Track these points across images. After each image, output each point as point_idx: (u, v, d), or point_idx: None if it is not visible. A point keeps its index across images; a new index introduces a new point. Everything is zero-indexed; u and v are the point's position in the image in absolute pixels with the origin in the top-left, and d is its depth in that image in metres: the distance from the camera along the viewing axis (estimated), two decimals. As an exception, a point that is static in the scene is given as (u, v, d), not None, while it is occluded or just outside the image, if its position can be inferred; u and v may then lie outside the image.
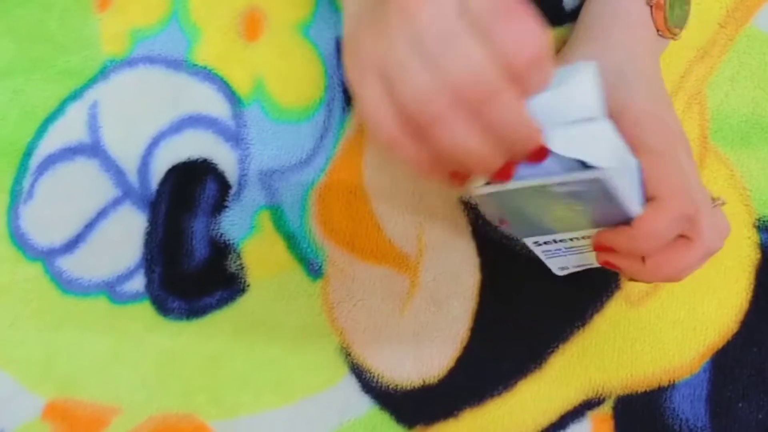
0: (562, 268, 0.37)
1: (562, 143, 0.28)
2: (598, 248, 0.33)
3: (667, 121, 0.35)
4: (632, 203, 0.30)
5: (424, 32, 0.24)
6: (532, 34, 0.24)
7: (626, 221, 0.31)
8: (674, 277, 0.33)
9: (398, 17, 0.25)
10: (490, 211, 0.38)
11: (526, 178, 0.29)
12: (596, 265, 0.35)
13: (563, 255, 0.36)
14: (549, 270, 0.42)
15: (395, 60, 0.25)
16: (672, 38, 0.38)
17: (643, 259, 0.32)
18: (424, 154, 0.26)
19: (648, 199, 0.31)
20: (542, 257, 0.37)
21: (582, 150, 0.28)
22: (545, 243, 0.35)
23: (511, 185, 0.29)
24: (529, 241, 0.36)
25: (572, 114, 0.28)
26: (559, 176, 0.28)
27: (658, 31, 0.37)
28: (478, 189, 0.30)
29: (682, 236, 0.33)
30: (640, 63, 0.36)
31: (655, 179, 0.31)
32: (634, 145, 0.31)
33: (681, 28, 0.38)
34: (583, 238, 0.34)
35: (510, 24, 0.24)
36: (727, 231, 0.35)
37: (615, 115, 0.31)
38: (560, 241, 0.35)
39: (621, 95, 0.34)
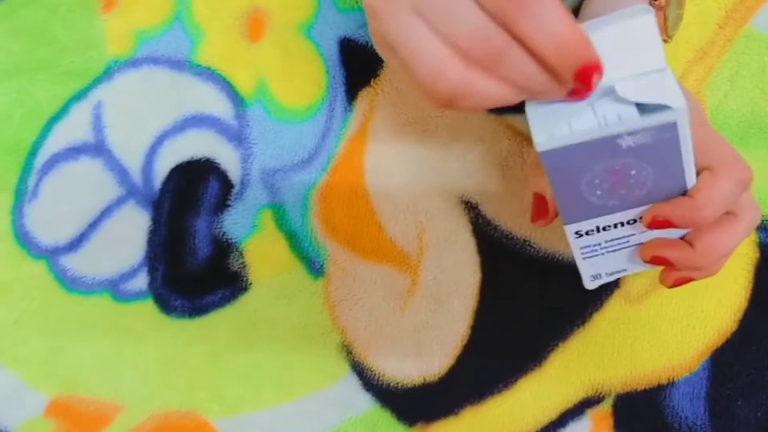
0: (595, 277, 0.36)
1: (630, 89, 0.27)
2: (654, 223, 0.31)
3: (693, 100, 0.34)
4: (692, 165, 0.30)
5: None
6: None
7: (679, 193, 0.30)
8: (721, 261, 0.32)
9: None
10: (540, 186, 0.35)
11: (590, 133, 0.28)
12: (633, 270, 0.35)
13: (601, 254, 0.35)
14: (549, 268, 0.43)
15: None
16: (666, 41, 0.38)
17: (691, 245, 0.31)
18: (499, 86, 0.25)
19: (701, 170, 0.31)
20: (578, 258, 0.35)
21: (652, 95, 0.27)
22: (587, 234, 0.34)
23: (576, 137, 0.28)
24: (570, 230, 0.34)
25: (636, 63, 0.27)
26: (628, 124, 0.27)
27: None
28: (542, 144, 0.28)
29: (726, 212, 0.32)
30: None
31: (703, 149, 0.30)
32: None
33: (675, 32, 0.38)
34: (629, 223, 0.33)
35: None
36: (758, 206, 0.34)
37: None
38: (604, 229, 0.33)
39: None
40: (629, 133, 0.28)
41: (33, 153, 0.44)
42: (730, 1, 0.44)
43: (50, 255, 0.44)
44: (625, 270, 0.35)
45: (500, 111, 0.43)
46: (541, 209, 0.35)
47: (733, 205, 0.31)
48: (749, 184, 0.31)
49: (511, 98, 0.26)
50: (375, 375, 0.43)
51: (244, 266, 0.43)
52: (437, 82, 0.25)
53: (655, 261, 0.32)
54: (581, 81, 0.26)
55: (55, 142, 0.44)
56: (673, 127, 0.28)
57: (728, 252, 0.32)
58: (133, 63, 0.45)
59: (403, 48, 0.25)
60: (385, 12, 0.26)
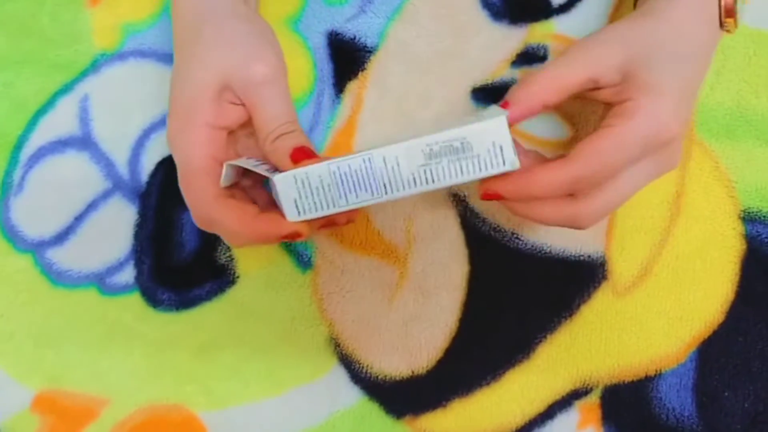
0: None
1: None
2: (486, 196, 0.34)
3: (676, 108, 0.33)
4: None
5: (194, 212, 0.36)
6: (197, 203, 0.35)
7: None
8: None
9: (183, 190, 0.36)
10: None
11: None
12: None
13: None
14: (537, 261, 0.43)
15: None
16: (727, 31, 0.36)
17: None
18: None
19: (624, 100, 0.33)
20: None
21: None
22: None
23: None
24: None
25: None
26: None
27: (723, 19, 0.35)
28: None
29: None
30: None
31: (588, 142, 0.32)
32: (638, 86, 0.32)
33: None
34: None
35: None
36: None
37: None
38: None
39: (645, 61, 0.33)
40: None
41: (19, 146, 0.44)
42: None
43: (36, 248, 0.44)
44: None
45: (486, 102, 0.43)
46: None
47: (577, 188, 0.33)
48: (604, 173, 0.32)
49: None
50: (363, 368, 0.43)
51: (232, 259, 0.43)
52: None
53: (489, 197, 0.34)
54: (292, 240, 0.34)
55: (41, 135, 0.44)
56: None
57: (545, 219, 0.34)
58: (120, 56, 0.44)
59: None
60: None
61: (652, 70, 0.32)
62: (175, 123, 0.35)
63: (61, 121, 0.44)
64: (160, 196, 0.43)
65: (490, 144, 0.31)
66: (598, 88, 0.34)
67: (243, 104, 0.35)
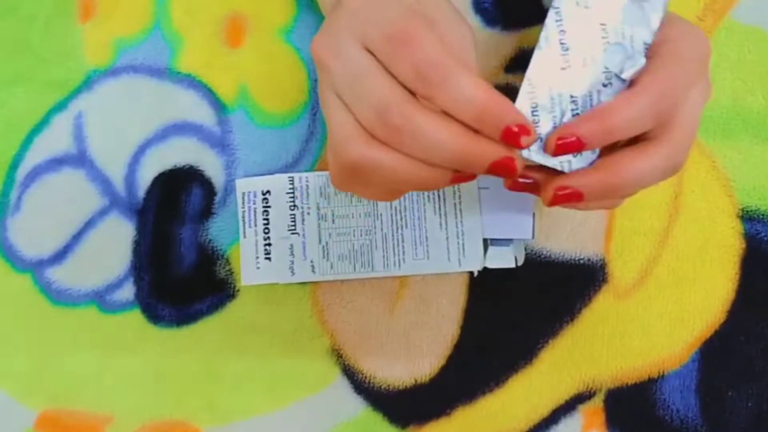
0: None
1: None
2: (560, 147, 0.28)
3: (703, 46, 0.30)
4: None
5: (337, 81, 0.28)
6: (426, 53, 0.26)
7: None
8: (624, 189, 0.29)
9: (320, 69, 0.29)
10: None
11: None
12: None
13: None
14: (538, 265, 0.42)
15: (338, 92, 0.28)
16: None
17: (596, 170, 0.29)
18: (404, 161, 0.27)
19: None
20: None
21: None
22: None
23: None
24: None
25: None
26: None
27: None
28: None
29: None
30: None
31: (653, 68, 0.28)
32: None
33: None
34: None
35: (404, 50, 0.26)
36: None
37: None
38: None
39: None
40: None
41: (14, 166, 0.44)
42: (709, -6, 0.44)
43: (35, 268, 0.44)
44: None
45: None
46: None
47: (655, 123, 0.28)
48: (669, 119, 0.28)
49: (422, 173, 0.27)
50: (366, 378, 0.43)
51: (231, 273, 0.43)
52: (339, 154, 0.27)
53: (560, 194, 0.29)
54: (510, 143, 0.26)
55: (36, 154, 0.44)
56: None
57: (636, 180, 0.28)
58: (113, 72, 0.44)
59: (327, 120, 0.29)
60: (319, 89, 0.29)
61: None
62: None
63: (56, 140, 0.44)
64: (157, 211, 0.43)
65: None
66: None
67: None
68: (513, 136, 0.26)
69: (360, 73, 0.27)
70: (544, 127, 0.29)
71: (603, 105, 0.28)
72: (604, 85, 0.29)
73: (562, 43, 0.28)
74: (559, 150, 0.28)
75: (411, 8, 0.28)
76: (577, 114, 0.29)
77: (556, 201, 0.29)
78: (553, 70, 0.28)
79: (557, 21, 0.28)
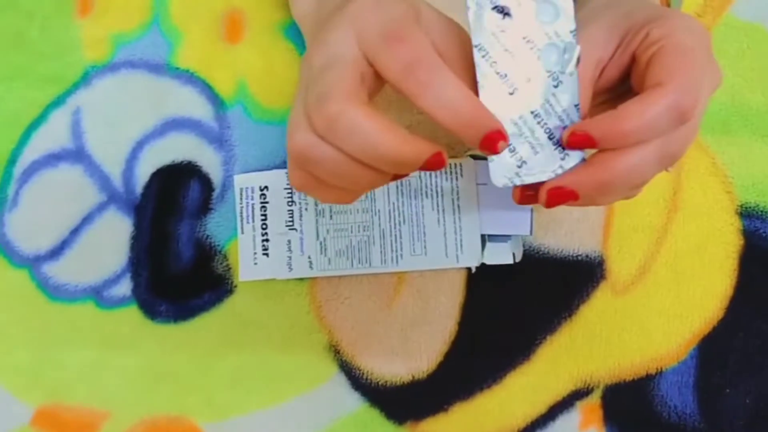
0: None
1: None
2: (573, 140, 0.28)
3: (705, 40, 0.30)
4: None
5: (312, 64, 0.28)
6: (417, 52, 0.27)
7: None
8: (618, 184, 0.28)
9: (303, 60, 0.29)
10: None
11: None
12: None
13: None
14: (536, 262, 0.42)
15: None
16: None
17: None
18: (337, 155, 0.27)
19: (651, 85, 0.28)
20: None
21: None
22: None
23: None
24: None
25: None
26: None
27: None
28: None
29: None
30: None
31: (655, 66, 0.28)
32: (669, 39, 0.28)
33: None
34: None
35: (396, 46, 0.27)
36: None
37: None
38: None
39: (628, 15, 0.31)
40: None
41: (12, 161, 0.44)
42: (708, -10, 0.44)
43: (32, 263, 0.43)
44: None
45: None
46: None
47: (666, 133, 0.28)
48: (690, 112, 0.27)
49: (356, 172, 0.28)
50: (363, 374, 0.43)
51: (229, 269, 0.43)
52: (288, 142, 0.28)
53: (572, 144, 0.29)
54: (487, 149, 0.27)
55: (34, 149, 0.44)
56: None
57: (631, 176, 0.28)
58: (111, 68, 0.44)
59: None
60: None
61: (635, 11, 0.31)
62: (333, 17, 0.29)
63: (53, 135, 0.44)
64: (155, 207, 0.43)
65: None
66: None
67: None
68: (492, 142, 0.27)
69: (330, 62, 0.27)
70: (523, 151, 0.29)
71: (621, 109, 0.27)
72: (556, 86, 0.29)
73: (498, 73, 0.29)
74: (573, 142, 0.28)
75: (410, 9, 0.28)
76: (547, 125, 0.29)
77: (551, 201, 0.29)
78: (503, 99, 0.29)
79: (484, 56, 0.29)
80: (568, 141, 0.29)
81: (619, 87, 0.31)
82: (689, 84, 0.27)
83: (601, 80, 0.31)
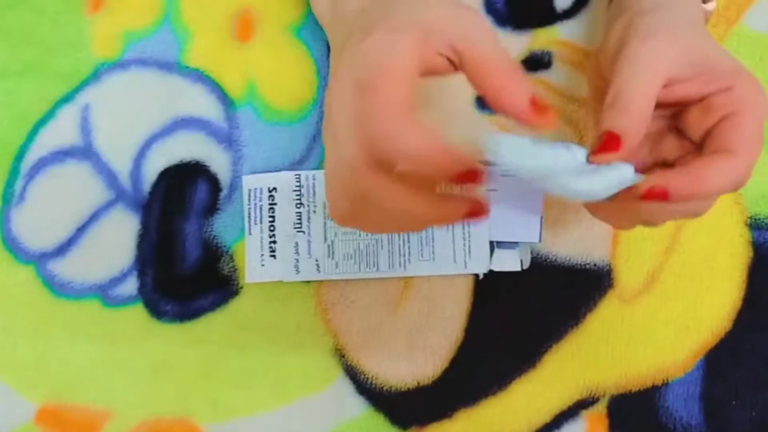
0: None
1: None
2: (650, 195, 0.30)
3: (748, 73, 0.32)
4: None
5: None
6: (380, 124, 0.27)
7: None
8: (703, 196, 0.30)
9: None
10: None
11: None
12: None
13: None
14: (543, 269, 0.42)
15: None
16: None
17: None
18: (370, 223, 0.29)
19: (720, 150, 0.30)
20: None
21: None
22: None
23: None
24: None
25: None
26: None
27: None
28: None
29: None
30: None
31: (735, 133, 0.30)
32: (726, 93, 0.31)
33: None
34: None
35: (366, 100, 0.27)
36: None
37: (705, 65, 0.31)
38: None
39: (705, 49, 0.32)
40: None
41: (20, 156, 0.44)
42: (722, 0, 0.44)
43: (38, 260, 0.43)
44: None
45: (492, 110, 0.43)
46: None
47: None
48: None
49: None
50: (368, 378, 0.43)
51: (235, 270, 0.43)
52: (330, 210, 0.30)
53: (653, 191, 0.30)
54: (465, 184, 0.27)
55: (42, 146, 0.44)
56: None
57: (717, 191, 0.30)
58: (122, 65, 0.44)
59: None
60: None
61: (714, 51, 0.32)
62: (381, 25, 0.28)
63: (62, 131, 0.44)
64: (162, 206, 0.43)
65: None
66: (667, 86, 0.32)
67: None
68: (466, 178, 0.27)
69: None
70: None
71: (699, 170, 0.30)
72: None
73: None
74: (648, 197, 0.29)
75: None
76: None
77: (646, 197, 0.29)
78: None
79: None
80: (646, 194, 0.29)
81: (672, 107, 0.33)
82: (754, 160, 0.31)
83: (666, 95, 0.32)
